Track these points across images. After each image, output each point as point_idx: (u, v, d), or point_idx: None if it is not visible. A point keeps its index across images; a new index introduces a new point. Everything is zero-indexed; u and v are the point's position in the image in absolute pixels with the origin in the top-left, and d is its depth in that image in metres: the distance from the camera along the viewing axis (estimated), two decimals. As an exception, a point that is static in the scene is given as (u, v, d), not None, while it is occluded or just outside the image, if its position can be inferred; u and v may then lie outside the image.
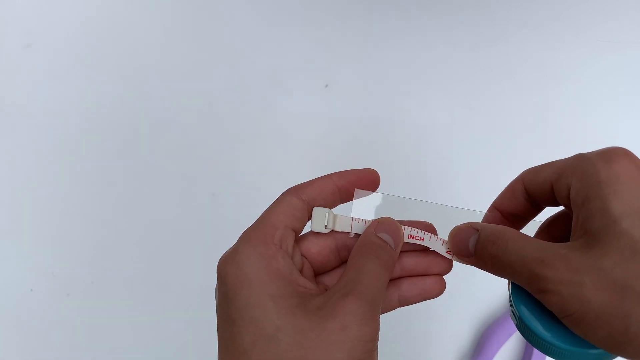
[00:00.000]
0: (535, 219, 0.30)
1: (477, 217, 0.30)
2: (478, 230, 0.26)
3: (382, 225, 0.26)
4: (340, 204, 0.28)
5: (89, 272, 0.53)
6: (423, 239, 0.28)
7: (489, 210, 0.29)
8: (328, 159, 0.55)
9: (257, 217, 0.26)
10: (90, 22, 0.58)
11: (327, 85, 0.57)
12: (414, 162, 0.55)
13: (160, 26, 0.58)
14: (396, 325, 0.52)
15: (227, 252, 0.25)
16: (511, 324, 0.51)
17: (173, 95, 0.57)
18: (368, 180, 0.29)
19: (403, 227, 0.28)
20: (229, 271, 0.23)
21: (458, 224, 0.28)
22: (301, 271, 0.26)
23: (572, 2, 0.58)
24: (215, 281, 0.25)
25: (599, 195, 0.21)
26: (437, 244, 0.28)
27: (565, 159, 0.24)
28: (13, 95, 0.57)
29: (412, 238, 0.28)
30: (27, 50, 0.57)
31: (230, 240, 0.56)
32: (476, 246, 0.25)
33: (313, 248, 0.27)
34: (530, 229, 0.31)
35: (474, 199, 0.54)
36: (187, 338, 0.50)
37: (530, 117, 0.56)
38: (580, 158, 0.23)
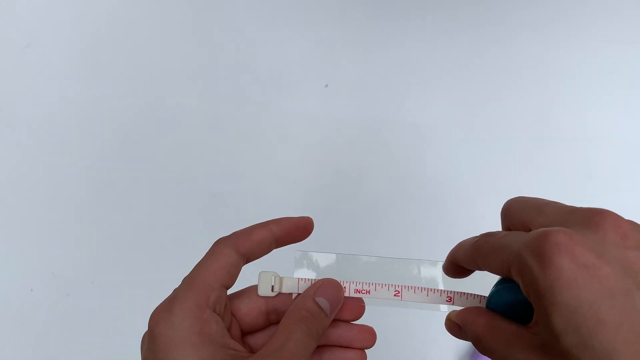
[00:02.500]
0: None
1: (437, 268, 0.29)
2: (460, 327, 0.26)
3: (322, 289, 0.26)
4: (275, 248, 0.28)
5: (89, 272, 0.53)
6: (369, 292, 0.28)
7: (446, 260, 0.28)
8: (328, 158, 0.55)
9: (193, 268, 0.26)
10: (89, 23, 0.58)
11: (327, 85, 0.57)
12: (413, 162, 0.55)
13: (160, 26, 0.58)
14: (396, 325, 0.52)
15: (160, 307, 0.24)
16: None
17: (173, 95, 0.57)
18: (304, 229, 0.28)
19: (348, 283, 0.27)
20: (162, 331, 0.23)
21: (415, 274, 0.29)
22: (229, 329, 0.26)
23: (572, 3, 0.58)
24: None
25: (541, 307, 0.20)
26: (384, 291, 0.28)
27: (509, 246, 0.22)
28: (13, 95, 0.57)
29: (359, 292, 0.28)
30: (27, 51, 0.57)
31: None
32: (463, 336, 0.26)
33: (243, 308, 0.27)
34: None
35: (474, 198, 0.54)
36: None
37: (530, 117, 0.56)
38: (518, 257, 0.21)
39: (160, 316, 0.24)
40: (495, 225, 0.57)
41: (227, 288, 0.26)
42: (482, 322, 0.24)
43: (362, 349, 0.28)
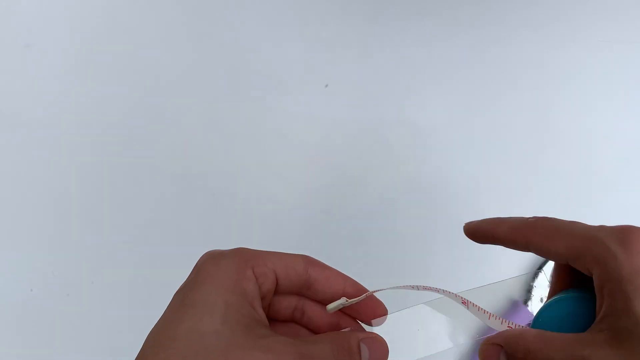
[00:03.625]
0: None
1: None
2: (502, 346, 0.26)
3: (372, 341, 0.25)
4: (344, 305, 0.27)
5: (89, 272, 0.53)
6: (439, 290, 0.28)
7: (473, 225, 0.29)
8: (328, 159, 0.55)
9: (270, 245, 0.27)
10: (90, 22, 0.58)
11: (327, 85, 0.57)
12: (413, 162, 0.55)
13: (160, 26, 0.58)
14: (396, 325, 0.52)
15: (216, 251, 0.26)
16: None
17: (173, 95, 0.57)
18: (373, 313, 0.27)
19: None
20: (207, 266, 0.25)
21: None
22: (263, 306, 0.26)
23: (572, 2, 0.58)
24: None
25: (621, 292, 0.20)
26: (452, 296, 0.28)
27: (580, 231, 0.23)
28: (13, 95, 0.57)
29: (427, 289, 0.28)
30: (28, 50, 0.57)
31: (230, 239, 0.56)
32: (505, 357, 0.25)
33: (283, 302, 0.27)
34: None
35: (474, 198, 0.54)
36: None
37: (530, 117, 0.56)
38: (598, 242, 0.22)
39: (212, 255, 0.26)
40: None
41: (279, 281, 0.26)
42: (531, 335, 0.24)
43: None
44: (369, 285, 0.29)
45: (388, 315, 0.27)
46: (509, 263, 0.53)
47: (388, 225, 0.54)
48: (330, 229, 0.54)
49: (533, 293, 0.52)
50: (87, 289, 0.53)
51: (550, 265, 0.52)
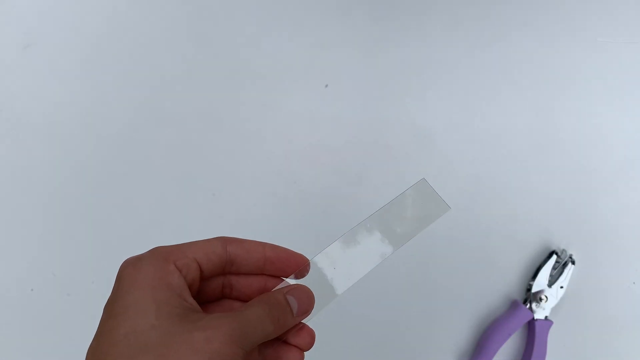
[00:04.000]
0: None
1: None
2: None
3: (295, 290, 0.28)
4: (259, 273, 0.29)
5: (89, 272, 0.53)
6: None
7: None
8: (328, 158, 0.55)
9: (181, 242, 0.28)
10: (89, 23, 0.58)
11: (327, 86, 0.57)
12: (413, 162, 0.55)
13: (160, 26, 0.58)
14: (396, 325, 0.52)
15: (132, 257, 0.27)
16: (511, 324, 0.51)
17: (173, 95, 0.57)
18: (295, 265, 0.29)
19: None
20: (129, 273, 0.26)
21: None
22: (193, 295, 0.27)
23: (572, 2, 0.58)
24: None
25: None
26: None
27: None
28: (13, 96, 0.57)
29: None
30: (27, 51, 0.57)
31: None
32: None
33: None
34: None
35: (474, 198, 0.55)
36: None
37: (530, 117, 0.56)
38: None
39: (129, 262, 0.26)
40: (495, 225, 0.57)
41: (201, 269, 0.27)
42: None
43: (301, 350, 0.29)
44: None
45: (310, 262, 0.29)
46: (508, 263, 0.54)
47: (388, 225, 0.54)
48: (330, 228, 0.54)
49: (532, 292, 0.52)
50: (88, 289, 0.53)
51: (549, 265, 0.52)
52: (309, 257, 0.29)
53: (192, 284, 0.27)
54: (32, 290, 0.53)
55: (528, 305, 0.51)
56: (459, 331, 0.53)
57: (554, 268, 0.52)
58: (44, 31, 0.58)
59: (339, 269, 0.30)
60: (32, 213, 0.54)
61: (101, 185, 0.55)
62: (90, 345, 0.25)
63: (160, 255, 0.26)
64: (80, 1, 0.58)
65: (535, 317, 0.51)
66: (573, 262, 0.52)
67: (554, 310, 0.52)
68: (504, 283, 0.53)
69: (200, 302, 0.28)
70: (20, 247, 0.54)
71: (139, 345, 0.23)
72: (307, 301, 0.28)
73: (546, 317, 0.51)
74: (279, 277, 0.29)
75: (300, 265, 0.29)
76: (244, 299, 0.29)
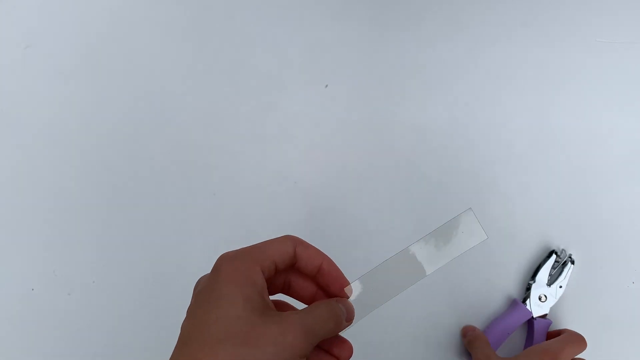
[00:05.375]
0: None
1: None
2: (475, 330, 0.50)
3: (344, 302, 0.34)
4: (311, 278, 0.35)
5: (90, 271, 0.53)
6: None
7: None
8: (328, 158, 0.55)
9: (257, 242, 0.33)
10: (90, 23, 0.58)
11: (327, 86, 0.57)
12: (413, 163, 0.55)
13: (160, 26, 0.58)
14: (396, 326, 0.53)
15: (229, 252, 0.32)
16: (510, 322, 0.51)
17: (173, 95, 0.57)
18: (342, 287, 0.35)
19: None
20: (226, 268, 0.31)
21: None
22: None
23: (572, 2, 0.58)
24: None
25: None
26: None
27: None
28: (13, 96, 0.57)
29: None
30: (28, 52, 0.57)
31: (230, 238, 0.57)
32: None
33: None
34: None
35: (474, 198, 0.55)
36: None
37: (530, 117, 0.56)
38: None
39: (227, 257, 0.31)
40: (494, 225, 0.57)
41: (277, 267, 0.32)
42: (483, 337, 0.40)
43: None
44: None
45: (352, 289, 0.35)
46: (507, 262, 0.54)
47: (388, 225, 0.54)
48: (330, 228, 0.54)
49: (531, 291, 0.52)
50: (88, 288, 0.53)
51: (548, 264, 0.52)
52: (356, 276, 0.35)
53: (267, 280, 0.32)
54: (33, 289, 0.53)
55: (527, 304, 0.51)
56: (458, 329, 0.53)
57: (553, 267, 0.52)
58: (44, 31, 0.58)
59: (368, 293, 0.35)
60: (33, 213, 0.54)
61: (101, 184, 0.55)
62: (184, 322, 0.31)
63: (250, 255, 0.31)
64: (81, 1, 0.58)
65: (535, 316, 0.51)
66: (572, 262, 0.52)
67: (553, 309, 0.52)
68: (503, 281, 0.53)
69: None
70: (21, 247, 0.54)
71: (226, 329, 0.28)
72: (351, 311, 0.34)
73: (545, 315, 0.51)
74: (329, 293, 0.35)
75: (343, 289, 0.35)
76: (296, 298, 0.35)
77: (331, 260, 0.34)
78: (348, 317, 0.34)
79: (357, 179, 0.55)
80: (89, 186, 0.55)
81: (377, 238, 0.54)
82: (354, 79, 0.57)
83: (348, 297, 0.35)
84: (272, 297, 0.33)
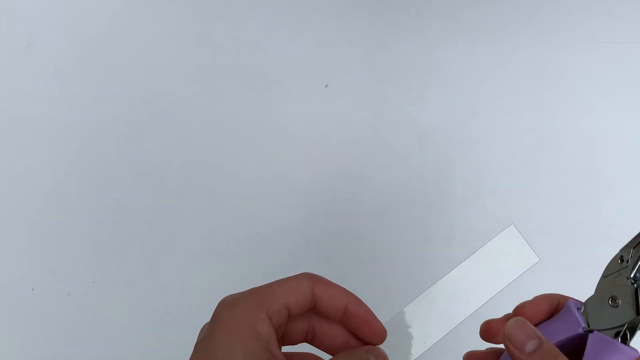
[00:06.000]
0: None
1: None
2: (541, 340, 0.26)
3: (375, 350, 0.29)
4: (343, 322, 0.30)
5: (89, 271, 0.53)
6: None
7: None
8: (328, 158, 0.55)
9: (271, 281, 0.28)
10: (90, 23, 0.58)
11: (327, 85, 0.57)
12: (413, 162, 0.55)
13: (160, 26, 0.58)
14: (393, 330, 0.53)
15: (228, 297, 0.27)
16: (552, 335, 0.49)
17: (173, 95, 0.57)
18: (373, 333, 0.30)
19: None
20: (225, 316, 0.26)
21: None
22: (278, 343, 0.28)
23: (572, 2, 0.58)
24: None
25: None
26: None
27: None
28: (14, 96, 0.57)
29: None
30: (28, 51, 0.57)
31: (230, 238, 0.57)
32: (536, 353, 0.25)
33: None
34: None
35: (474, 198, 0.55)
36: (188, 337, 0.51)
37: (529, 117, 0.56)
38: None
39: (227, 304, 0.27)
40: (494, 225, 0.57)
41: (290, 312, 0.28)
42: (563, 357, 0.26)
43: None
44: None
45: (386, 334, 0.30)
46: (507, 263, 0.54)
47: (387, 225, 0.54)
48: (330, 228, 0.54)
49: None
50: (88, 288, 0.53)
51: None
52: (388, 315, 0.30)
53: (279, 328, 0.27)
54: (32, 289, 0.53)
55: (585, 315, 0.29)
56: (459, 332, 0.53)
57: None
58: (45, 31, 0.58)
59: (415, 330, 0.30)
60: (33, 213, 0.54)
61: (101, 184, 0.55)
62: None
63: (255, 299, 0.27)
64: (81, 1, 0.58)
65: (591, 328, 0.27)
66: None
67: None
68: (503, 286, 0.53)
69: (284, 343, 0.29)
70: (21, 247, 0.54)
71: None
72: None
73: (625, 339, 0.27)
74: (360, 339, 0.30)
75: (375, 335, 0.29)
76: (323, 349, 0.30)
77: (358, 299, 0.29)
78: None
79: (357, 179, 0.55)
80: (88, 186, 0.55)
81: (377, 238, 0.54)
82: (354, 79, 0.57)
83: (381, 343, 0.29)
84: (293, 348, 0.30)
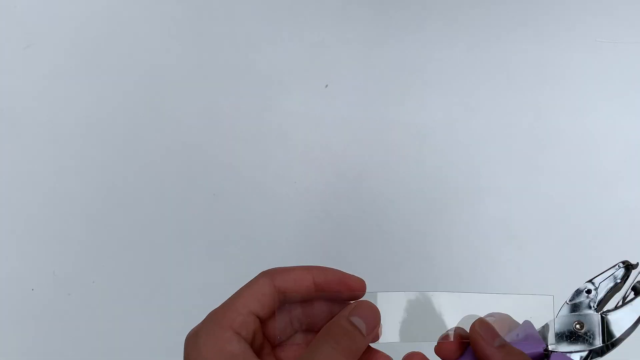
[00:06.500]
0: None
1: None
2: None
3: (358, 309, 0.26)
4: (314, 298, 0.28)
5: (90, 271, 0.53)
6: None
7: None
8: (328, 158, 0.56)
9: (229, 296, 0.27)
10: (90, 23, 0.58)
11: (327, 86, 0.57)
12: (413, 162, 0.55)
13: (160, 27, 0.58)
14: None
15: (192, 330, 0.26)
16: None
17: (174, 95, 0.57)
18: (348, 288, 0.27)
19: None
20: (189, 352, 0.25)
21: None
22: (259, 350, 0.27)
23: (571, 2, 0.58)
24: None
25: None
26: None
27: None
28: (14, 96, 0.57)
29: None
30: (28, 51, 0.57)
31: (230, 238, 0.57)
32: (505, 347, 0.26)
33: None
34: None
35: (474, 198, 0.55)
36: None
37: (529, 117, 0.56)
38: None
39: (189, 340, 0.25)
40: (493, 226, 0.57)
41: (258, 316, 0.26)
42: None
43: None
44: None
45: (365, 283, 0.28)
46: (507, 262, 0.54)
47: (387, 225, 0.54)
48: (330, 228, 0.54)
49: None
50: (88, 288, 0.53)
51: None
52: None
53: (254, 336, 0.26)
54: (32, 289, 0.53)
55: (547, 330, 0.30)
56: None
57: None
58: (45, 31, 0.58)
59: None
60: (33, 212, 0.54)
61: (102, 184, 0.55)
62: None
63: (215, 323, 0.25)
64: (81, 2, 0.58)
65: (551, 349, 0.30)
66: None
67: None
68: (501, 283, 0.53)
69: (275, 343, 0.27)
70: (21, 247, 0.54)
71: None
72: (373, 317, 0.26)
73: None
74: (342, 301, 0.27)
75: (354, 288, 0.27)
76: (318, 329, 0.27)
77: (321, 267, 0.27)
78: (370, 327, 0.26)
79: (357, 179, 0.55)
80: (88, 186, 0.55)
81: (377, 238, 0.54)
82: (354, 79, 0.57)
83: (363, 294, 0.27)
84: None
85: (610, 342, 0.27)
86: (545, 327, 0.28)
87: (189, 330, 0.26)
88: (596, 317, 0.28)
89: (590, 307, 0.28)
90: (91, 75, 0.57)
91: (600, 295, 0.29)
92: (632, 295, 0.28)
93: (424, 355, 0.27)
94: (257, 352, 0.26)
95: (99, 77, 0.57)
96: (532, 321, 0.27)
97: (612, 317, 0.28)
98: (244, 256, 0.53)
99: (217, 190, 0.55)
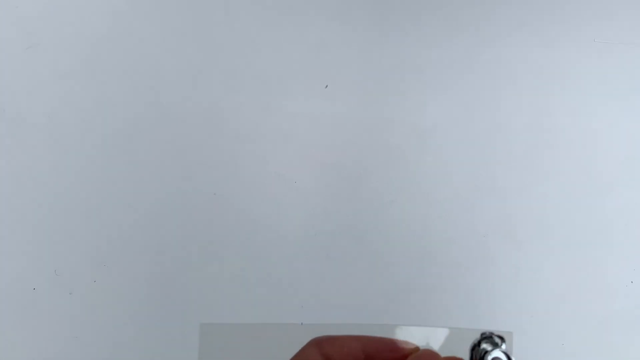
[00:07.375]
0: None
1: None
2: None
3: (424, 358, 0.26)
4: None
5: (91, 270, 0.53)
6: None
7: None
8: (328, 158, 0.56)
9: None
10: (92, 23, 0.58)
11: (327, 86, 0.57)
12: (413, 163, 0.55)
13: (161, 27, 0.58)
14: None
15: None
16: None
17: (174, 95, 0.57)
18: (405, 355, 0.27)
19: None
20: None
21: None
22: None
23: (571, 2, 0.58)
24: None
25: None
26: None
27: None
28: (15, 97, 0.57)
29: None
30: (29, 52, 0.58)
31: (230, 238, 0.57)
32: None
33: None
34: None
35: (473, 198, 0.55)
36: (190, 337, 0.51)
37: (528, 118, 0.56)
38: None
39: None
40: (494, 226, 0.57)
41: None
42: None
43: None
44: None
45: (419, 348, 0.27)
46: (507, 262, 0.54)
47: (387, 225, 0.54)
48: (329, 228, 0.54)
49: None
50: (90, 287, 0.53)
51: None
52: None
53: None
54: (34, 289, 0.53)
55: None
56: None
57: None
58: (46, 31, 0.58)
59: None
60: (34, 212, 0.55)
61: (102, 184, 0.55)
62: None
63: None
64: (82, 2, 0.59)
65: None
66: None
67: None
68: (504, 290, 0.53)
69: None
70: (22, 246, 0.54)
71: None
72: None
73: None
74: None
75: (407, 354, 0.27)
76: None
77: (371, 338, 0.27)
78: None
79: (357, 179, 0.55)
80: (89, 185, 0.55)
81: (377, 238, 0.54)
82: (354, 79, 0.57)
83: (416, 350, 0.26)
84: None
85: None
86: None
87: (190, 330, 0.25)
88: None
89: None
90: (92, 75, 0.57)
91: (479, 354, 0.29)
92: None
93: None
94: None
95: (100, 77, 0.57)
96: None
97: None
98: (244, 256, 0.53)
99: (218, 190, 0.55)
